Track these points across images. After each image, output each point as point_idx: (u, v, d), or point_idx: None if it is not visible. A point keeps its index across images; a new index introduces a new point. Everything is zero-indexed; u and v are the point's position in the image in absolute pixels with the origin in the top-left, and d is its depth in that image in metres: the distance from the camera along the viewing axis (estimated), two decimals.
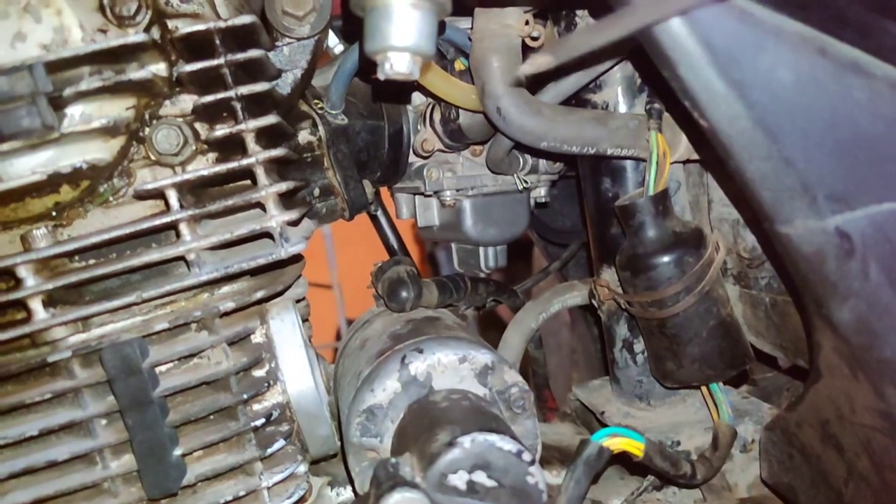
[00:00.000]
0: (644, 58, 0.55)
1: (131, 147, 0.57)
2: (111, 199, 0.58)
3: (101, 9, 0.54)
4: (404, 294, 0.73)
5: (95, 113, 0.55)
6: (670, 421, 0.79)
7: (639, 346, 0.80)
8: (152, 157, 0.57)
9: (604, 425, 0.82)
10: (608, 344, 0.84)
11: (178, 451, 0.58)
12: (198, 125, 0.58)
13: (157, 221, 0.56)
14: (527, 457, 0.50)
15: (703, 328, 0.69)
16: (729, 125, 0.50)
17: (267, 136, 0.59)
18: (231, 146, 0.58)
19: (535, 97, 0.71)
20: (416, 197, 0.96)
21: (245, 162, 0.57)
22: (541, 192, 0.94)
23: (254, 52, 0.57)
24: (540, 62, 0.50)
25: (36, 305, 0.55)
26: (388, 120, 0.85)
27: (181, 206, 0.56)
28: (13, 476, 0.56)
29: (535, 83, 0.75)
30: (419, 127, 0.87)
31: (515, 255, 1.09)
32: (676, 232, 0.70)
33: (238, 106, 0.57)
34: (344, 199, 0.76)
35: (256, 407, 0.62)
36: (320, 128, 0.74)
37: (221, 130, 0.57)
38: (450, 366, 0.60)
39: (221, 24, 0.55)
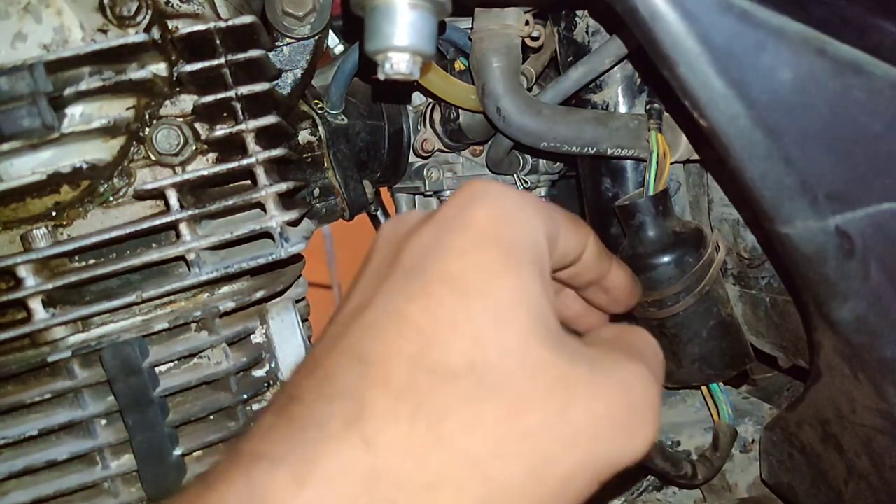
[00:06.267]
0: (644, 58, 0.55)
1: (131, 147, 0.57)
2: (111, 199, 0.58)
3: (102, 9, 0.54)
4: None
5: (95, 113, 0.55)
6: (670, 421, 0.79)
7: None
8: (152, 157, 0.57)
9: None
10: None
11: (178, 451, 0.58)
12: (198, 125, 0.58)
13: (157, 221, 0.56)
14: None
15: (703, 328, 0.69)
16: (728, 124, 0.50)
17: (267, 136, 0.59)
18: (231, 146, 0.58)
19: (535, 97, 0.71)
20: (416, 197, 0.96)
21: (245, 162, 0.57)
22: (541, 192, 0.94)
23: (254, 53, 0.57)
24: None
25: (36, 305, 0.55)
26: (388, 120, 0.84)
27: (181, 206, 0.56)
28: (13, 476, 0.56)
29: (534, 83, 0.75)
30: (419, 127, 0.87)
31: None
32: (676, 232, 0.69)
33: (238, 106, 0.57)
34: (344, 199, 0.76)
35: (256, 407, 0.62)
36: (320, 128, 0.74)
37: (221, 130, 0.57)
38: None
39: (222, 25, 0.55)
